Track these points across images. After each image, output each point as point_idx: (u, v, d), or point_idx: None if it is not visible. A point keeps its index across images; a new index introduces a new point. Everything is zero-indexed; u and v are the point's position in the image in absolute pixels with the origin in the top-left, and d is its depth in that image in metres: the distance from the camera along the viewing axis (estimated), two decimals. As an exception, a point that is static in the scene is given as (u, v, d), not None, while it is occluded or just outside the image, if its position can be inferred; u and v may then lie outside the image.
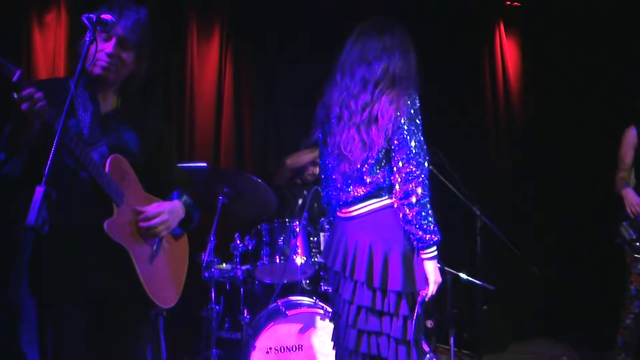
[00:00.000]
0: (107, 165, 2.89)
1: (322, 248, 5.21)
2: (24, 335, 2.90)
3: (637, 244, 5.31)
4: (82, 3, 6.22)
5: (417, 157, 3.17)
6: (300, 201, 6.11)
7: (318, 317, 4.83)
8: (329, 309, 4.87)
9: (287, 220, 5.26)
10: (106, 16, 2.69)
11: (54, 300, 2.86)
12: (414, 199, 3.13)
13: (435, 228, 3.18)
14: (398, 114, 3.18)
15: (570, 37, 7.93)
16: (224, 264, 5.24)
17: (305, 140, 3.75)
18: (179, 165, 3.66)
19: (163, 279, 3.21)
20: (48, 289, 2.86)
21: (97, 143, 2.95)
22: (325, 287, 5.36)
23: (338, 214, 3.51)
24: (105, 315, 2.97)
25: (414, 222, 3.14)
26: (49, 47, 6.27)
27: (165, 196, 3.30)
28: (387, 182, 3.25)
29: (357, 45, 3.48)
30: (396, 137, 3.18)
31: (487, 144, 8.00)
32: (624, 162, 5.64)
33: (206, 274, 4.95)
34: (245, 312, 5.02)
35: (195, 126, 6.85)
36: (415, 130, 3.19)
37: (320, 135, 3.60)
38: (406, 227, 3.18)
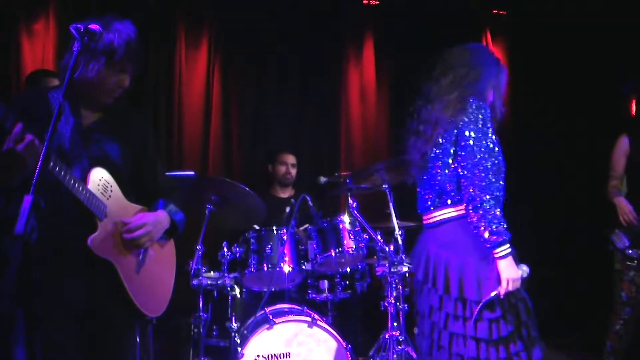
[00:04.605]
0: (88, 179, 2.89)
1: (309, 256, 5.23)
2: (12, 345, 2.90)
3: (629, 251, 5.34)
4: (70, 12, 6.26)
5: (483, 161, 3.34)
6: (287, 209, 6.14)
7: (305, 325, 4.84)
8: (316, 317, 4.89)
9: (274, 228, 5.28)
10: (94, 26, 2.70)
11: (41, 310, 2.86)
12: (480, 202, 3.29)
13: (503, 228, 3.31)
14: (465, 120, 3.41)
15: (557, 45, 7.96)
16: (212, 272, 5.25)
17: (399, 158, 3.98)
18: (167, 174, 3.66)
19: (151, 288, 3.22)
20: (36, 300, 2.85)
21: (77, 157, 2.95)
22: (313, 295, 5.39)
23: (424, 221, 3.71)
24: (93, 325, 2.97)
25: (482, 224, 3.30)
26: (37, 55, 6.29)
27: (152, 204, 3.30)
28: (456, 187, 3.45)
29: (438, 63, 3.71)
30: (463, 144, 3.39)
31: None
32: (616, 170, 5.66)
33: (194, 282, 4.96)
34: (233, 319, 5.04)
35: (184, 134, 6.88)
36: (482, 137, 3.38)
37: (411, 149, 3.72)
38: (475, 230, 3.33)
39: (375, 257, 5.29)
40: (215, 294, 5.33)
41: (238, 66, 7.28)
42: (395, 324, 4.86)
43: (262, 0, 7.17)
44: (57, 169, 2.64)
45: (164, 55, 6.87)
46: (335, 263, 5.32)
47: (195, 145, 6.93)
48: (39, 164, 2.31)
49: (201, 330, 4.93)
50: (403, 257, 4.96)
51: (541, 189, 7.90)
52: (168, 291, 3.40)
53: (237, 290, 5.38)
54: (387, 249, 4.93)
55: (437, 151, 3.50)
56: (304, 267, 5.26)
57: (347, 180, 5.34)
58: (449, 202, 3.47)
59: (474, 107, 3.42)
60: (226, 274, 5.12)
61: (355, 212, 5.04)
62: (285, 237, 5.19)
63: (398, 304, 4.97)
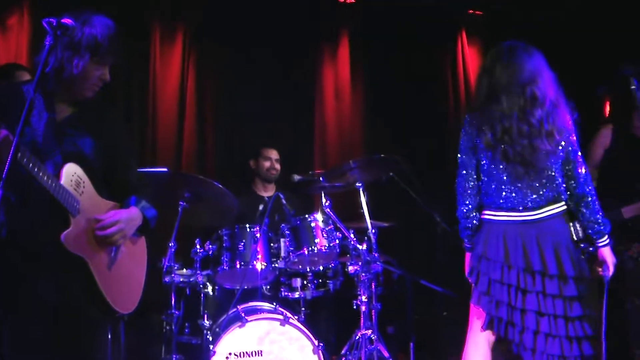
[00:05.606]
0: (61, 175, 2.86)
1: (282, 254, 5.23)
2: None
3: (582, 245, 5.39)
4: (45, 7, 6.21)
5: (584, 163, 3.78)
6: (261, 207, 6.13)
7: (278, 323, 4.85)
8: (289, 315, 4.90)
9: (247, 225, 5.27)
10: (67, 20, 2.69)
11: (11, 306, 2.85)
12: (589, 198, 3.73)
13: (606, 220, 3.77)
14: (570, 125, 3.77)
15: (533, 45, 7.99)
16: (185, 269, 5.24)
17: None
18: (139, 170, 3.64)
19: (123, 285, 3.21)
20: (5, 295, 2.84)
21: (51, 152, 2.93)
22: (285, 293, 5.39)
23: (515, 217, 3.80)
24: (64, 321, 2.95)
25: (590, 217, 3.74)
26: (10, 50, 6.24)
27: (124, 200, 3.28)
28: (562, 187, 3.76)
29: (513, 66, 4.02)
30: (570, 147, 3.75)
31: (449, 153, 8.03)
32: (592, 159, 5.65)
33: (166, 279, 4.95)
34: (205, 317, 5.04)
35: (157, 130, 6.84)
36: (577, 140, 3.78)
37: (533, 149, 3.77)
38: (585, 222, 3.77)
39: (348, 255, 5.30)
40: (188, 291, 5.31)
41: (213, 62, 7.25)
42: (367, 322, 4.89)
43: (239, -4, 7.16)
44: (31, 165, 2.62)
45: (138, 50, 6.82)
46: (308, 261, 5.33)
47: (169, 141, 6.89)
48: (9, 159, 2.29)
49: (173, 328, 4.92)
50: (376, 256, 4.98)
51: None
52: (139, 288, 3.38)
53: (210, 288, 5.37)
54: (360, 248, 4.94)
55: (558, 152, 3.71)
56: (276, 265, 5.26)
57: (321, 179, 5.34)
58: (562, 197, 3.76)
59: (574, 110, 3.83)
60: (199, 271, 5.11)
61: (329, 210, 5.05)
62: (258, 235, 5.19)
63: (370, 302, 4.99)
